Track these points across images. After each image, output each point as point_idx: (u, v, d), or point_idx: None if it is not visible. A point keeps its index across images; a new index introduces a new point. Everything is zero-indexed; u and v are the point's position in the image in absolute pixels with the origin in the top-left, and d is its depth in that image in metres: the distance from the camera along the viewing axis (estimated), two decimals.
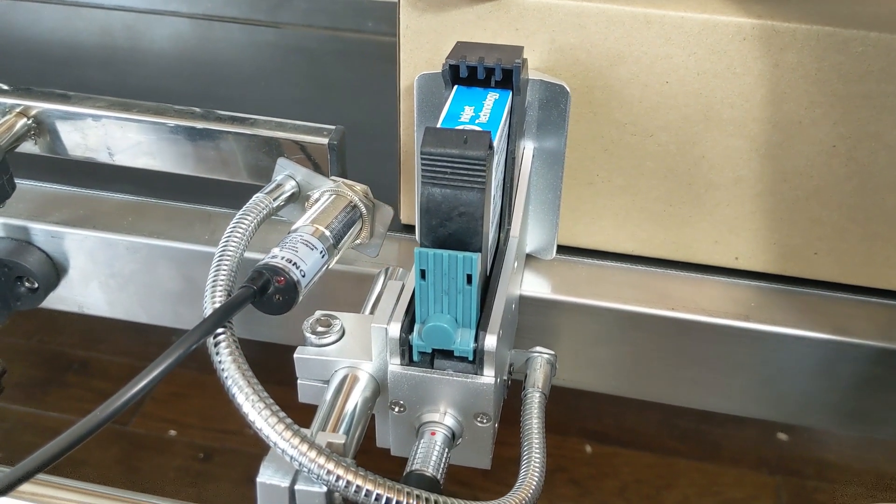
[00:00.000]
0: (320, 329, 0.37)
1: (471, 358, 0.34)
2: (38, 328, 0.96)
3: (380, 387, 0.37)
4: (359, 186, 0.43)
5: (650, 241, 0.49)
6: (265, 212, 0.41)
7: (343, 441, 0.32)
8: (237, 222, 0.39)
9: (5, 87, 0.51)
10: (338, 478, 0.30)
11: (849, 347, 0.45)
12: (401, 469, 0.34)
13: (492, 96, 0.38)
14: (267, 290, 0.35)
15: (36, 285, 0.52)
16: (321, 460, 0.30)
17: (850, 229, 0.46)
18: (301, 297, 0.36)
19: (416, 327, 0.34)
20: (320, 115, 0.50)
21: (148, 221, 0.52)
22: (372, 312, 0.41)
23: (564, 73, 0.44)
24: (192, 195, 0.54)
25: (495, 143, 0.34)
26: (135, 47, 0.79)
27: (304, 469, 0.30)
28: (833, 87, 0.42)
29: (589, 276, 0.48)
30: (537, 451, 0.36)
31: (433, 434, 0.35)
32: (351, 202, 0.42)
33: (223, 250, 0.37)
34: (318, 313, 0.38)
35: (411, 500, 0.30)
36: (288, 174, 0.44)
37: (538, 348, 0.41)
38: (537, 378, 0.40)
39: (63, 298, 0.54)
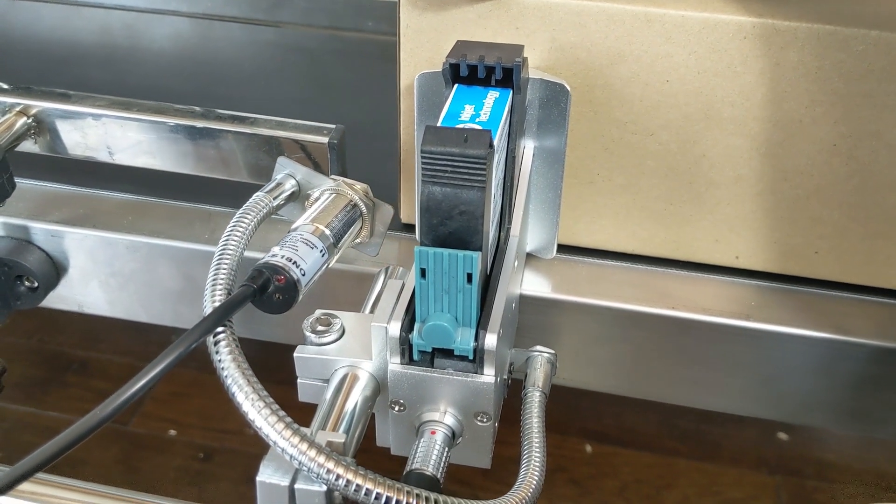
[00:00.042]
0: (320, 328, 0.37)
1: (471, 357, 0.34)
2: (38, 327, 0.96)
3: (380, 386, 0.37)
4: (359, 185, 0.43)
5: (651, 239, 0.48)
6: (265, 211, 0.41)
7: (343, 440, 0.32)
8: (237, 221, 0.39)
9: (5, 86, 0.51)
10: (337, 477, 0.29)
11: (849, 346, 0.45)
12: (401, 468, 0.34)
13: (492, 95, 0.38)
14: (267, 289, 0.35)
15: (36, 284, 0.52)
16: (321, 459, 0.30)
17: (850, 228, 0.46)
18: (301, 296, 0.36)
19: (416, 326, 0.34)
20: (320, 114, 0.50)
21: (148, 220, 0.52)
22: (372, 311, 0.41)
23: (565, 71, 0.43)
24: (193, 194, 0.54)
25: (495, 142, 0.34)
26: (135, 46, 0.79)
27: (304, 468, 0.30)
28: (834, 86, 0.42)
29: (589, 275, 0.48)
30: (537, 450, 0.36)
31: (433, 433, 0.35)
32: (351, 201, 0.42)
33: (223, 249, 0.37)
34: (318, 312, 0.38)
35: (411, 499, 0.30)
36: (288, 173, 0.44)
37: (538, 347, 0.41)
38: (537, 377, 0.40)
39: (63, 298, 0.54)
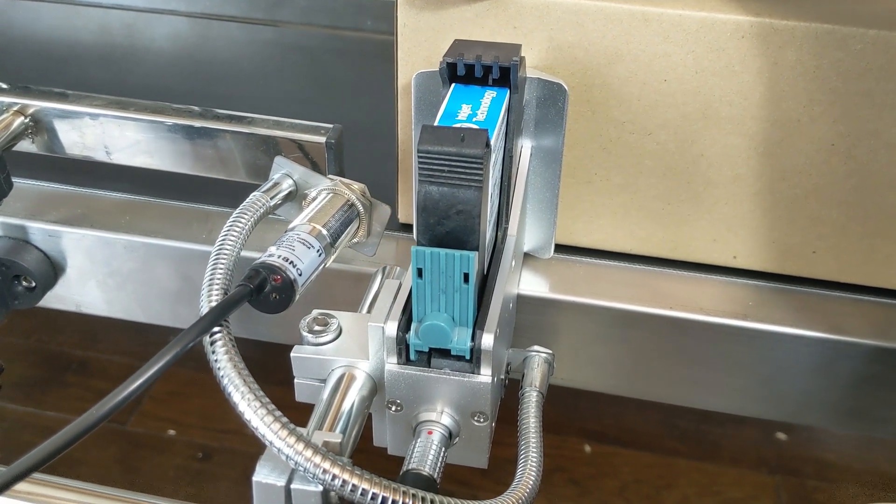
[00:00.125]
0: (317, 328, 0.37)
1: (468, 357, 0.34)
2: (36, 327, 0.96)
3: (377, 386, 0.37)
4: (356, 185, 0.43)
5: (648, 239, 0.48)
6: (262, 210, 0.41)
7: (339, 440, 0.32)
8: (234, 221, 0.39)
9: (3, 86, 0.51)
10: (334, 477, 0.29)
11: (847, 346, 0.45)
12: (397, 468, 0.34)
13: (489, 94, 0.38)
14: (263, 289, 0.35)
15: (33, 284, 0.52)
16: (317, 459, 0.30)
17: (849, 228, 0.46)
18: (298, 296, 0.36)
19: (413, 326, 0.34)
20: (319, 113, 0.50)
21: (145, 220, 0.52)
22: (369, 311, 0.41)
23: (562, 71, 0.43)
24: (190, 194, 0.54)
25: (493, 142, 0.34)
26: (134, 45, 0.79)
27: (301, 468, 0.30)
28: (832, 85, 0.42)
29: (587, 275, 0.48)
30: (534, 450, 0.36)
31: (430, 433, 0.35)
32: (348, 201, 0.42)
33: (220, 249, 0.37)
34: (315, 312, 0.38)
35: (408, 500, 0.30)
36: (285, 173, 0.44)
37: (536, 347, 0.41)
38: (535, 377, 0.40)
39: (61, 297, 0.54)
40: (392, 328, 0.34)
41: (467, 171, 0.32)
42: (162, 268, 0.51)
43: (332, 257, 0.40)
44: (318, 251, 0.38)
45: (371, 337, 0.35)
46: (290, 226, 0.39)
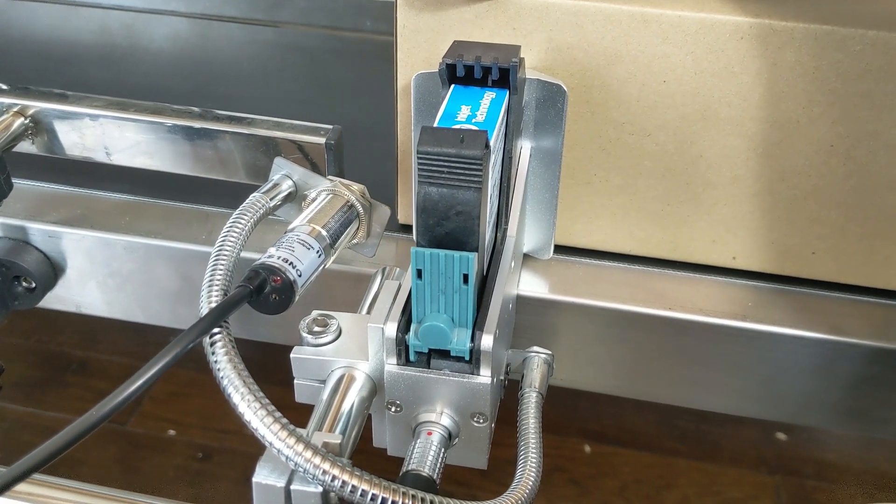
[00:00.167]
0: (317, 329, 0.37)
1: (467, 358, 0.34)
2: (36, 328, 0.96)
3: (376, 387, 0.37)
4: (356, 186, 0.43)
5: (648, 240, 0.48)
6: (262, 211, 0.41)
7: (339, 441, 0.32)
8: (234, 222, 0.39)
9: (3, 87, 0.51)
10: (333, 478, 0.29)
11: (846, 347, 0.45)
12: (397, 469, 0.34)
13: (489, 95, 0.38)
14: (263, 290, 0.35)
15: (33, 285, 0.52)
16: (317, 460, 0.30)
17: (848, 229, 0.46)
18: (297, 297, 0.36)
19: (412, 327, 0.34)
20: (319, 113, 0.50)
21: (145, 221, 0.52)
22: (369, 312, 0.41)
23: (562, 72, 0.43)
24: (190, 195, 0.54)
25: (492, 143, 0.34)
26: (133, 46, 0.79)
27: (300, 469, 0.30)
28: (831, 86, 0.42)
29: (586, 276, 0.48)
30: (534, 450, 0.36)
31: (430, 434, 0.35)
32: (348, 202, 0.42)
33: (220, 250, 0.37)
34: (314, 313, 0.38)
35: (407, 501, 0.30)
36: (285, 174, 0.44)
37: (535, 348, 0.41)
38: (534, 378, 0.40)
39: (61, 298, 0.54)
40: (392, 329, 0.34)
41: (467, 172, 0.32)
42: (162, 268, 0.51)
43: (332, 258, 0.40)
44: (317, 252, 0.38)
45: (371, 338, 0.35)
46: (290, 227, 0.39)
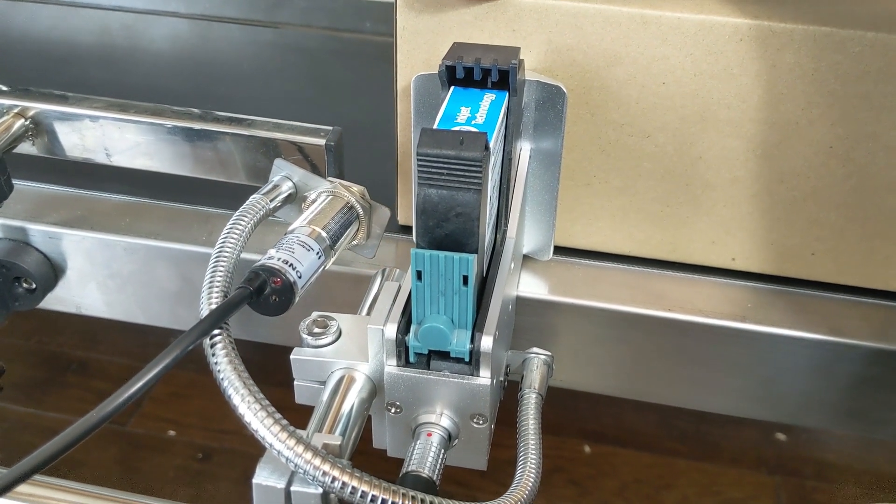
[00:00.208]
0: (317, 330, 0.37)
1: (467, 359, 0.34)
2: (36, 328, 0.96)
3: (376, 388, 0.37)
4: (356, 187, 0.43)
5: (647, 241, 0.49)
6: (262, 213, 0.41)
7: (339, 442, 0.32)
8: (234, 223, 0.39)
9: (3, 88, 0.51)
10: (333, 479, 0.30)
11: (845, 348, 0.45)
12: (397, 470, 0.34)
13: (488, 97, 0.38)
14: (263, 292, 0.35)
15: (34, 286, 0.52)
16: (317, 462, 0.30)
17: (847, 230, 0.46)
18: (297, 299, 0.36)
19: (412, 328, 0.34)
20: (319, 114, 0.50)
21: (145, 222, 0.52)
22: (368, 313, 0.41)
23: (561, 73, 0.44)
24: (190, 196, 0.54)
25: (492, 145, 0.34)
26: (133, 47, 0.79)
27: (300, 470, 0.30)
28: (830, 88, 0.42)
29: (586, 277, 0.48)
30: (533, 451, 0.36)
31: (429, 435, 0.35)
32: (348, 203, 0.42)
33: (220, 251, 0.37)
34: (314, 314, 0.38)
35: (407, 502, 0.30)
36: (285, 175, 0.44)
37: (535, 349, 0.41)
38: (534, 379, 0.40)
39: (61, 299, 0.54)
40: (391, 330, 0.34)
41: (466, 174, 0.32)
42: (162, 269, 0.51)
43: (332, 259, 0.40)
44: (317, 253, 0.38)
45: (370, 339, 0.35)
46: (290, 228, 0.39)
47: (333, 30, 0.81)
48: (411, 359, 0.35)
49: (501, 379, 0.39)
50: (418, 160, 0.32)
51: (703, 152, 0.45)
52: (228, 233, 0.38)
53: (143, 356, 0.91)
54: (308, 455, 0.30)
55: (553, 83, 0.42)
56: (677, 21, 0.41)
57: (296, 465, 0.30)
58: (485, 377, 0.34)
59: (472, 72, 0.38)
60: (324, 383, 0.37)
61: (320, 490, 0.30)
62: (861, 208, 0.45)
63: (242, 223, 0.39)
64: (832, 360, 0.46)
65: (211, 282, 0.36)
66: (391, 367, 0.35)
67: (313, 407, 0.36)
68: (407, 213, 0.50)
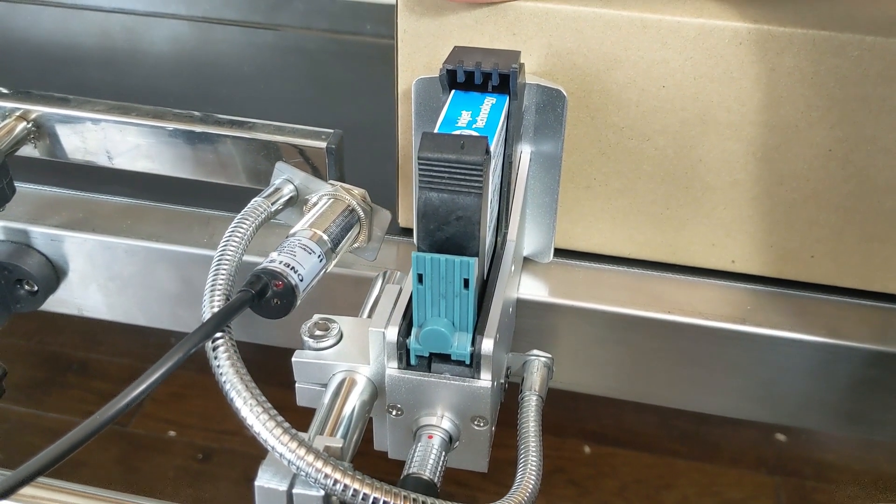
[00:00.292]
0: (318, 333, 0.37)
1: (468, 362, 0.34)
2: (37, 329, 0.96)
3: (377, 390, 0.37)
4: (357, 190, 0.43)
5: (647, 244, 0.49)
6: (263, 216, 0.41)
7: (340, 445, 0.32)
8: (235, 226, 0.39)
9: (5, 91, 0.51)
10: (335, 481, 0.30)
11: (844, 350, 0.45)
12: (398, 472, 0.34)
13: (489, 101, 0.38)
14: (265, 295, 0.35)
15: (35, 288, 0.52)
16: (318, 464, 0.30)
17: (847, 232, 0.46)
18: (299, 301, 0.36)
19: (413, 331, 0.34)
20: (319, 116, 0.50)
21: (147, 224, 0.52)
22: (370, 316, 0.41)
23: (562, 77, 0.44)
24: (191, 198, 0.54)
25: (492, 148, 0.34)
26: (134, 49, 0.80)
27: (302, 473, 0.30)
28: (830, 91, 0.42)
29: (586, 280, 0.48)
30: (534, 454, 0.36)
31: (430, 437, 0.35)
32: (349, 206, 0.42)
33: (221, 254, 0.37)
34: (316, 317, 0.38)
35: None
36: (286, 178, 0.44)
37: (535, 351, 0.41)
38: (534, 381, 0.40)
39: (63, 301, 0.54)
40: (392, 333, 0.34)
41: (467, 177, 0.32)
42: (163, 271, 0.51)
43: (333, 262, 0.40)
44: (319, 256, 0.38)
45: (372, 342, 0.35)
46: (292, 231, 0.39)
47: (333, 32, 0.81)
48: (412, 361, 0.35)
49: (502, 381, 0.39)
50: (419, 164, 0.32)
51: (703, 155, 0.45)
52: (230, 236, 0.39)
53: (144, 357, 0.91)
54: (310, 458, 0.30)
55: (553, 87, 0.42)
56: (677, 25, 0.41)
57: (297, 468, 0.30)
58: (485, 380, 0.34)
59: (473, 76, 0.39)
60: (325, 386, 0.37)
61: (322, 492, 0.31)
62: (860, 211, 0.45)
63: (244, 226, 0.39)
64: (831, 362, 0.46)
65: (213, 285, 0.36)
66: (392, 369, 0.35)
67: (314, 409, 0.36)
68: (408, 216, 0.51)
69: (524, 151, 0.44)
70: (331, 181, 0.44)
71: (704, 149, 0.45)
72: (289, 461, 0.30)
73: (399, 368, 0.35)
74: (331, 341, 0.37)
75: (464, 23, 0.43)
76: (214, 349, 0.33)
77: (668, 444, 0.85)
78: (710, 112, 0.43)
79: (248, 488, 0.32)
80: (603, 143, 0.46)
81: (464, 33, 0.44)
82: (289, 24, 0.81)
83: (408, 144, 0.47)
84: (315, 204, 0.43)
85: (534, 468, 0.36)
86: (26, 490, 0.28)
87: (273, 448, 0.30)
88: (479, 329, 0.34)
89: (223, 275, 0.36)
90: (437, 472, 0.34)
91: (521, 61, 0.40)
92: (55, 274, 0.53)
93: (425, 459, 0.34)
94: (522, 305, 0.47)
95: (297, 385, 0.38)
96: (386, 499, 0.30)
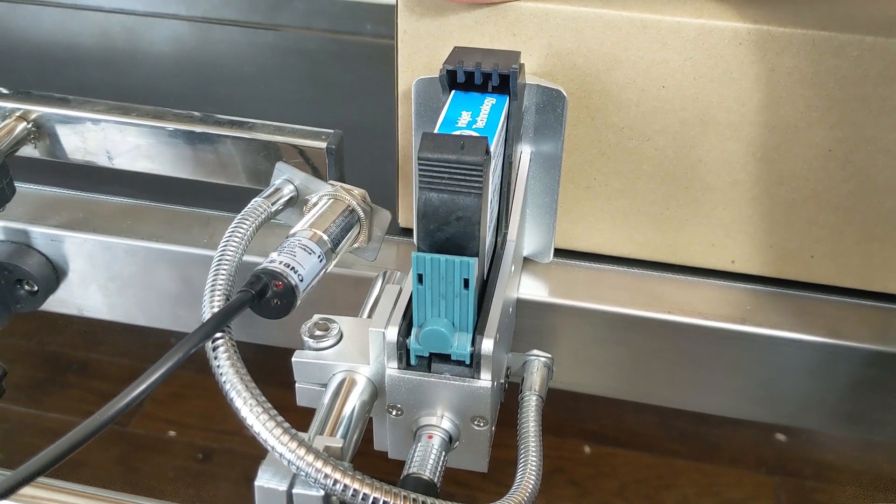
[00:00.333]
0: (318, 333, 0.37)
1: (468, 362, 0.34)
2: (37, 329, 0.96)
3: (377, 390, 0.37)
4: (357, 191, 0.43)
5: (647, 244, 0.49)
6: (263, 216, 0.41)
7: (340, 445, 0.32)
8: (235, 226, 0.39)
9: (5, 91, 0.51)
10: (335, 481, 0.30)
11: (844, 350, 0.45)
12: (398, 472, 0.34)
13: (489, 101, 0.38)
14: (265, 295, 0.35)
15: (36, 288, 0.52)
16: (318, 464, 0.30)
17: (846, 232, 0.46)
18: (299, 302, 0.36)
19: (413, 331, 0.34)
20: (319, 116, 0.50)
21: (147, 225, 0.52)
22: (370, 316, 0.41)
23: (562, 77, 0.44)
24: (191, 198, 0.54)
25: (492, 149, 0.34)
26: (134, 49, 0.80)
27: (302, 473, 0.30)
28: (829, 91, 0.42)
29: (586, 280, 0.48)
30: (534, 454, 0.36)
31: (430, 437, 0.35)
32: (349, 206, 0.42)
33: (222, 254, 0.37)
34: (316, 317, 0.38)
35: None
36: (286, 178, 0.44)
37: (535, 351, 0.42)
38: (534, 381, 0.40)
39: (63, 301, 0.54)
40: (392, 333, 0.34)
41: (467, 178, 0.32)
42: (163, 271, 0.51)
43: (333, 263, 0.40)
44: (319, 257, 0.38)
45: (372, 342, 0.35)
46: (292, 231, 0.39)
47: (334, 32, 0.81)
48: (412, 361, 0.35)
49: (502, 381, 0.39)
50: (419, 164, 0.32)
51: (703, 155, 0.45)
52: (230, 236, 0.39)
53: (144, 357, 0.91)
54: (310, 458, 0.30)
55: (553, 87, 0.42)
56: (677, 25, 0.42)
57: (297, 468, 0.30)
58: (485, 380, 0.34)
59: (473, 76, 0.39)
60: (325, 386, 0.37)
61: (322, 492, 0.31)
62: (860, 211, 0.45)
63: (244, 227, 0.39)
64: (831, 362, 0.46)
65: (213, 285, 0.36)
66: (392, 369, 0.35)
67: (314, 409, 0.36)
68: (408, 216, 0.51)
69: (524, 152, 0.44)
70: (331, 181, 0.44)
71: (704, 149, 0.45)
72: (289, 461, 0.30)
73: (399, 368, 0.35)
74: (331, 341, 0.37)
75: (464, 23, 0.43)
76: (214, 349, 0.33)
77: (667, 444, 0.85)
78: (709, 112, 0.43)
79: (248, 488, 0.32)
80: (603, 143, 0.46)
81: (464, 34, 0.44)
82: (289, 25, 0.81)
83: (408, 145, 0.47)
84: (315, 204, 0.43)
85: (534, 468, 0.36)
86: (26, 490, 0.28)
87: (273, 448, 0.30)
88: (479, 329, 0.34)
89: (223, 275, 0.36)
90: (437, 472, 0.34)
91: (521, 62, 0.40)
92: (55, 274, 0.53)
93: (425, 459, 0.34)
94: (522, 305, 0.47)
95: (296, 385, 0.38)
96: (386, 499, 0.30)
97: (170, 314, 0.54)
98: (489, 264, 0.38)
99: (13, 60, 0.77)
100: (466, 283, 0.32)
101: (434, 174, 0.32)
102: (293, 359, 0.37)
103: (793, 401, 0.48)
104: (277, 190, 0.43)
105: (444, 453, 0.35)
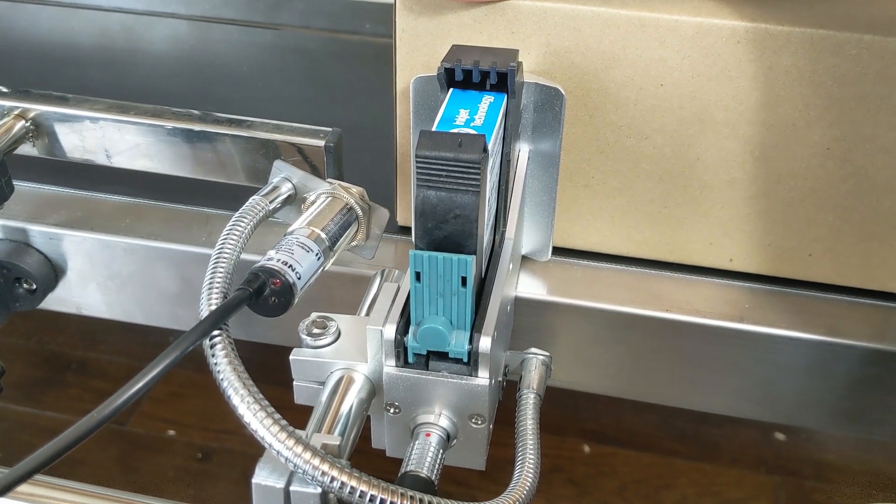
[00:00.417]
0: (316, 331, 0.38)
1: (465, 360, 0.34)
2: (36, 328, 0.96)
3: (375, 388, 0.37)
4: (355, 189, 0.43)
5: (645, 242, 0.49)
6: (262, 214, 0.41)
7: (338, 442, 0.32)
8: (234, 224, 0.39)
9: (4, 90, 0.51)
10: (332, 479, 0.30)
11: (842, 349, 0.45)
12: (396, 470, 0.35)
13: (487, 99, 0.38)
14: (263, 293, 0.35)
15: (34, 287, 0.52)
16: (316, 462, 0.30)
17: (844, 231, 0.46)
18: (297, 300, 0.36)
19: (411, 329, 0.34)
20: (318, 115, 0.50)
21: (145, 223, 0.52)
22: (368, 314, 0.41)
23: (560, 75, 0.44)
24: (190, 197, 0.54)
25: (490, 147, 0.34)
26: (134, 48, 0.80)
27: (299, 470, 0.30)
28: (828, 90, 0.42)
29: (584, 278, 0.48)
30: (531, 452, 0.36)
31: (428, 435, 0.35)
32: (347, 204, 0.42)
33: (219, 252, 0.37)
34: (313, 315, 0.38)
35: (405, 502, 0.30)
36: (284, 176, 0.44)
37: (533, 349, 0.42)
38: (532, 379, 0.40)
39: (61, 299, 0.54)
40: (390, 331, 0.34)
41: (465, 176, 0.32)
42: (162, 270, 0.52)
43: (331, 261, 0.40)
44: (316, 255, 0.38)
45: (369, 340, 0.35)
46: (290, 229, 0.39)
47: (333, 32, 0.81)
48: (410, 359, 0.35)
49: (500, 379, 0.39)
50: (417, 162, 0.32)
51: (701, 154, 0.45)
52: (228, 234, 0.39)
53: (143, 356, 0.91)
54: (307, 455, 0.30)
55: (551, 85, 0.42)
56: (675, 23, 0.42)
57: (295, 465, 0.30)
58: (483, 378, 0.34)
59: (471, 74, 0.39)
60: (323, 384, 0.37)
61: (319, 490, 0.31)
62: (858, 210, 0.45)
63: (242, 224, 0.39)
64: (830, 361, 0.46)
65: (210, 283, 0.36)
66: (390, 367, 0.35)
67: (312, 407, 0.36)
68: (406, 214, 0.51)
69: (522, 150, 0.44)
70: (329, 179, 0.44)
71: (702, 147, 0.45)
72: (286, 458, 0.30)
73: (397, 366, 0.35)
74: (329, 339, 0.37)
75: (462, 21, 0.43)
76: (212, 347, 0.33)
77: (667, 443, 0.85)
78: (707, 111, 0.43)
79: (248, 488, 0.32)
80: (601, 141, 0.46)
81: (462, 32, 0.44)
82: (288, 24, 0.81)
83: (406, 143, 0.47)
84: (313, 202, 0.43)
85: (531, 466, 0.36)
86: (23, 487, 0.28)
87: (270, 445, 0.30)
88: (476, 327, 0.34)
89: (221, 273, 0.36)
90: (435, 470, 0.34)
91: (520, 60, 0.40)
92: (54, 272, 0.53)
93: (423, 457, 0.34)
94: (520, 304, 0.47)
95: (294, 383, 0.38)
96: (383, 496, 0.30)
97: (169, 313, 0.54)
98: (487, 262, 0.38)
99: (13, 59, 0.77)
100: (464, 280, 0.32)
101: (432, 172, 0.32)
102: (291, 357, 0.37)
103: (791, 399, 0.48)
104: (275, 188, 0.44)
105: (441, 451, 0.35)
